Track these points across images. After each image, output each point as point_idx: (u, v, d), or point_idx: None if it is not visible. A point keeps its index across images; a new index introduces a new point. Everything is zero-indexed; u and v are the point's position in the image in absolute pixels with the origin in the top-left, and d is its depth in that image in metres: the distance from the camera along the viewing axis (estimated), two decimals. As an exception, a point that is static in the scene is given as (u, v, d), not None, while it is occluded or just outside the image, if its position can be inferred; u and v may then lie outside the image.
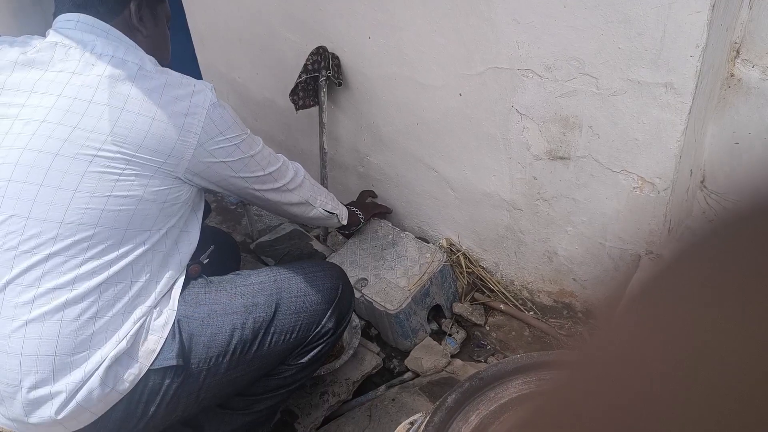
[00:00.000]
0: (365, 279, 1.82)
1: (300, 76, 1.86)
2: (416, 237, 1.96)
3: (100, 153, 1.10)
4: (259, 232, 2.27)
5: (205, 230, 1.35)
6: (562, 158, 1.53)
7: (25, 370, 1.07)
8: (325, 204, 1.57)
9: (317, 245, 2.15)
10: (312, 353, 1.36)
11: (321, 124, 1.95)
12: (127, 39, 1.23)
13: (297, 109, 1.92)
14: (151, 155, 1.13)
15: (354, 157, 2.07)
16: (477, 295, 1.91)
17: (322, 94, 1.89)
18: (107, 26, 1.21)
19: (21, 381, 1.08)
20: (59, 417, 1.09)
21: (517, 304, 1.86)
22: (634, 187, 1.44)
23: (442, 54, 1.59)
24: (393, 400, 1.65)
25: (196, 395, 1.23)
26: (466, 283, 1.91)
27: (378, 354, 1.79)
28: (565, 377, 0.26)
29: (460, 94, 1.62)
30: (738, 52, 1.38)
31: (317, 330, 1.34)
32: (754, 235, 0.23)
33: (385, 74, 1.75)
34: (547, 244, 1.71)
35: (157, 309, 1.20)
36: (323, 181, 2.01)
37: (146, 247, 1.17)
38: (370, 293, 1.78)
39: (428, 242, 1.96)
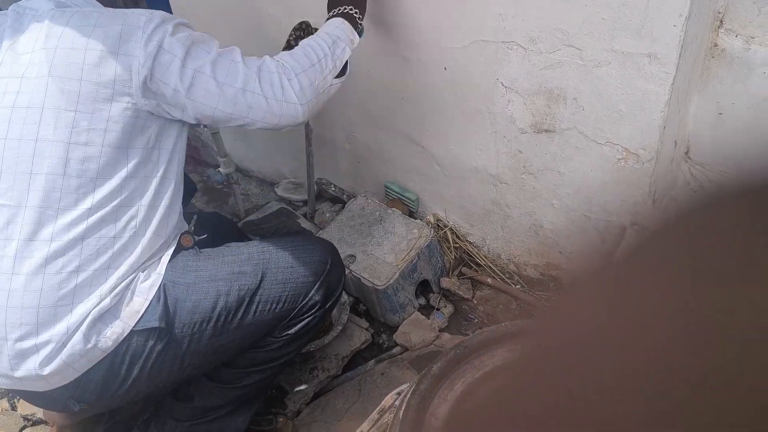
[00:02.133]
0: (353, 256, 1.82)
1: (284, 52, 1.84)
2: (403, 213, 1.96)
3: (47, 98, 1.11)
4: (246, 211, 2.26)
5: (205, 215, 1.34)
6: (547, 131, 1.53)
7: (11, 323, 1.10)
8: (333, 66, 1.36)
9: (305, 223, 2.15)
10: (298, 326, 1.36)
11: (306, 100, 1.93)
12: None
13: (281, 86, 1.90)
14: (96, 87, 1.11)
15: (340, 134, 2.06)
16: (464, 269, 1.92)
17: (307, 71, 1.87)
18: None
19: (7, 333, 1.11)
20: (44, 372, 1.11)
21: (504, 277, 1.87)
22: (618, 159, 1.45)
23: (426, 27, 1.58)
24: (382, 374, 1.67)
25: (180, 361, 1.24)
26: (453, 258, 1.92)
27: (367, 329, 1.80)
28: (554, 318, 0.27)
29: (445, 68, 1.61)
30: (721, 21, 1.38)
31: (304, 302, 1.34)
32: (736, 211, 0.23)
33: (370, 49, 1.74)
34: (533, 217, 1.72)
35: (145, 272, 1.21)
36: (309, 159, 2.00)
37: (124, 195, 1.16)
38: (358, 269, 1.78)
39: (415, 218, 1.97)
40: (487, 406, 0.30)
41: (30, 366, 1.11)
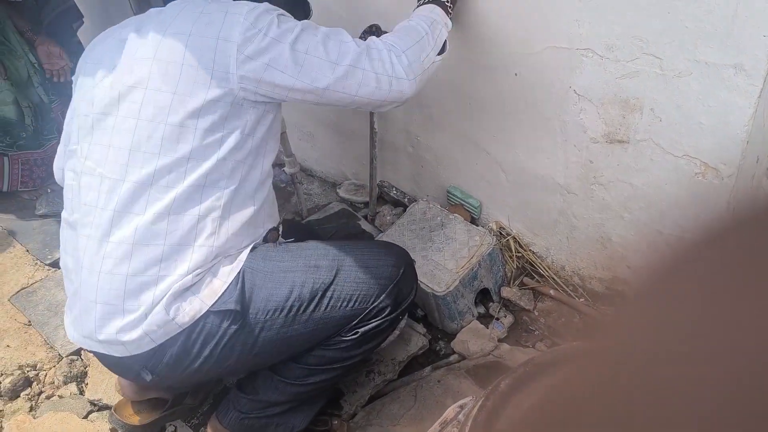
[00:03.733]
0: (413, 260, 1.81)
1: (352, 55, 1.84)
2: (465, 219, 1.94)
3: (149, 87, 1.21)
4: (309, 211, 2.29)
5: (295, 225, 1.40)
6: (620, 141, 1.48)
7: (102, 287, 1.21)
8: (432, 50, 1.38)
9: (365, 225, 2.15)
10: (367, 327, 1.36)
11: (372, 103, 1.94)
12: None
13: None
14: (196, 71, 1.19)
15: (404, 137, 2.06)
16: (526, 279, 1.88)
17: (374, 73, 1.87)
18: None
19: (97, 297, 1.21)
20: (124, 338, 1.21)
21: (567, 290, 1.82)
22: (696, 173, 1.39)
23: (498, 32, 1.56)
24: (438, 381, 1.65)
25: (250, 347, 1.28)
26: (515, 267, 1.89)
27: (424, 335, 1.79)
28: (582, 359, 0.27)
29: (516, 74, 1.58)
30: (815, 32, 1.31)
31: (375, 304, 1.34)
32: None
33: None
34: (601, 229, 1.67)
35: (228, 257, 1.28)
36: (372, 161, 2.01)
37: (212, 177, 1.23)
38: (417, 274, 1.77)
39: (477, 225, 1.94)
40: (545, 410, 0.31)
41: (112, 331, 1.21)
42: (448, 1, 1.47)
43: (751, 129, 1.28)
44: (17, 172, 2.48)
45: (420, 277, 1.76)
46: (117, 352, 1.24)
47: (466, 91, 1.73)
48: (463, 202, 2.01)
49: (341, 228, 2.15)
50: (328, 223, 2.19)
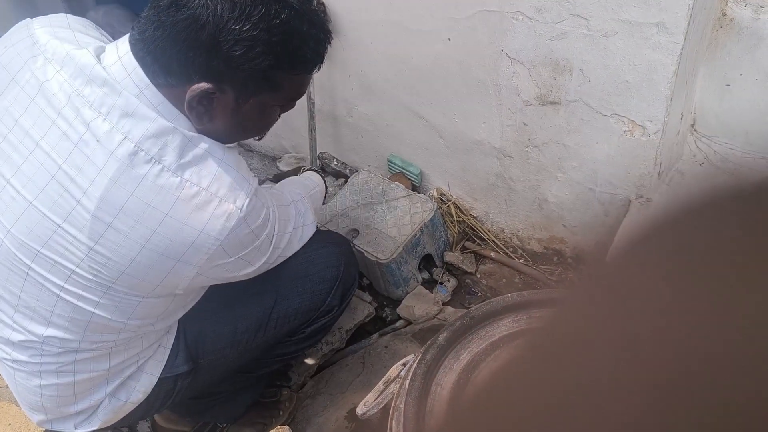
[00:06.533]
0: (356, 230, 1.82)
1: (285, 24, 1.81)
2: (406, 187, 1.95)
3: (75, 273, 0.97)
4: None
5: None
6: (552, 103, 1.51)
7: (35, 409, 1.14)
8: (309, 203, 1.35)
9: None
10: (315, 326, 1.36)
11: (308, 73, 1.91)
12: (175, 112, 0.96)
13: (283, 59, 1.88)
14: (130, 289, 0.99)
15: (342, 107, 2.05)
16: (468, 243, 1.92)
17: (309, 43, 1.85)
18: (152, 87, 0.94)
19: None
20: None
21: (507, 251, 1.87)
22: (624, 131, 1.44)
23: (430, -2, 1.56)
24: (386, 347, 1.67)
25: (209, 382, 1.28)
26: (456, 232, 1.91)
27: (370, 303, 1.80)
28: (555, 317, 0.27)
29: (449, 39, 1.59)
30: (731, -10, 1.36)
31: (322, 308, 1.33)
32: (730, 212, 0.23)
33: (372, 19, 1.71)
34: (537, 191, 1.71)
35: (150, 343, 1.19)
36: (311, 132, 1.99)
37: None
38: (361, 244, 1.78)
39: (419, 192, 1.96)
40: (488, 394, 0.31)
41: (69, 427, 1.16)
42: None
43: (674, 86, 1.33)
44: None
45: (364, 246, 1.76)
46: None
47: (401, 58, 1.73)
48: (403, 171, 2.02)
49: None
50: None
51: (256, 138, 1.13)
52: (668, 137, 1.45)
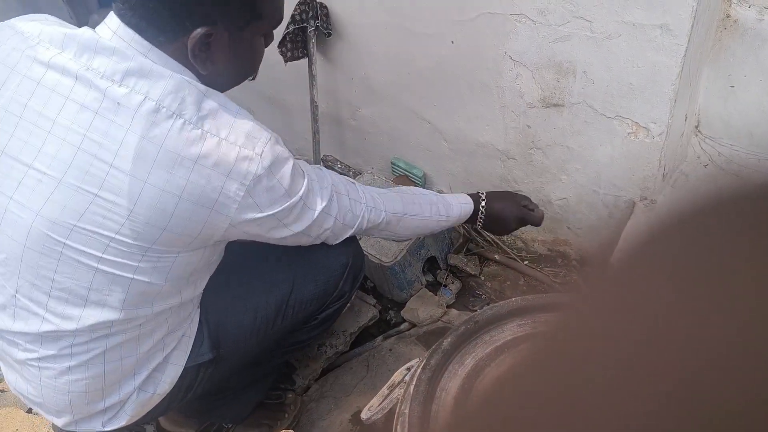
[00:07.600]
0: (360, 232, 1.82)
1: (287, 27, 1.81)
2: (410, 189, 1.95)
3: (114, 240, 0.97)
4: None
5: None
6: (555, 105, 1.51)
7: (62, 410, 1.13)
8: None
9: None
10: (327, 312, 1.39)
11: (311, 76, 1.92)
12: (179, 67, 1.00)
13: (286, 62, 1.88)
14: (169, 246, 1.00)
15: (346, 110, 2.05)
16: (472, 246, 1.92)
17: (311, 46, 1.85)
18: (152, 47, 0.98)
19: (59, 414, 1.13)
20: (110, 428, 1.16)
21: (511, 253, 1.86)
22: (628, 133, 1.43)
23: (433, 0, 1.56)
24: (390, 350, 1.67)
25: (228, 373, 1.29)
26: (460, 234, 1.91)
27: (374, 306, 1.80)
28: (561, 321, 0.27)
29: (452, 42, 1.59)
30: (734, -9, 1.36)
31: (335, 294, 1.36)
32: (736, 213, 0.23)
33: (375, 22, 1.72)
34: (541, 193, 1.71)
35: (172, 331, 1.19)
36: (315, 135, 1.99)
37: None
38: (365, 246, 1.78)
39: (422, 194, 1.96)
40: (495, 393, 0.31)
41: (96, 425, 1.15)
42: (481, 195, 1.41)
43: (678, 88, 1.32)
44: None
45: (368, 249, 1.76)
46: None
47: (404, 60, 1.73)
48: (407, 173, 2.02)
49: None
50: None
51: (251, 78, 1.16)
52: (672, 139, 1.44)
